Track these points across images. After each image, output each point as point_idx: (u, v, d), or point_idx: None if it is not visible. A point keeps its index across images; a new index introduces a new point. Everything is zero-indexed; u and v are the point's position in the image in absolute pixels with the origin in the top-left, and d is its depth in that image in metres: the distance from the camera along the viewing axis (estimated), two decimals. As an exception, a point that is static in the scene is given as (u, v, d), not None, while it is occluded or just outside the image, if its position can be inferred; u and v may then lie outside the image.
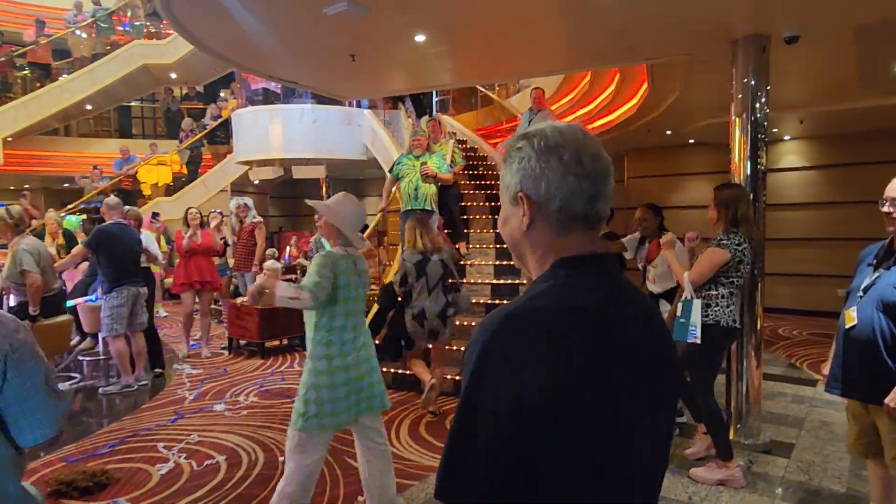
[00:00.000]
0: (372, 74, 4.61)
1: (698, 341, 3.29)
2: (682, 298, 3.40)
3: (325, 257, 2.56)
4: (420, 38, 3.78)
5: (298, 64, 4.32)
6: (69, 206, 11.34)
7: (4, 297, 4.88)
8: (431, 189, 5.77)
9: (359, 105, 10.45)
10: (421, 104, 10.45)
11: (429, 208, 5.74)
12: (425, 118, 7.54)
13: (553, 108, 8.33)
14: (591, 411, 0.80)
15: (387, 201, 6.21)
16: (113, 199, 5.40)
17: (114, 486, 3.40)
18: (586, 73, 7.21)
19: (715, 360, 3.46)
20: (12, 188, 14.59)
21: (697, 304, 3.31)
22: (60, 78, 12.18)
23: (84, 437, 4.22)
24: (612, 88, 6.79)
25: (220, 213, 8.05)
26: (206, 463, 3.70)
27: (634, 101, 6.39)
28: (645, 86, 5.63)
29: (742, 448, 3.88)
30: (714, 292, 3.31)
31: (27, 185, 14.51)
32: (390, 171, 5.98)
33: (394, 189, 6.15)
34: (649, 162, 10.20)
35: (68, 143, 14.31)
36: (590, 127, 8.13)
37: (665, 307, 4.11)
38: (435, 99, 12.33)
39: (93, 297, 5.78)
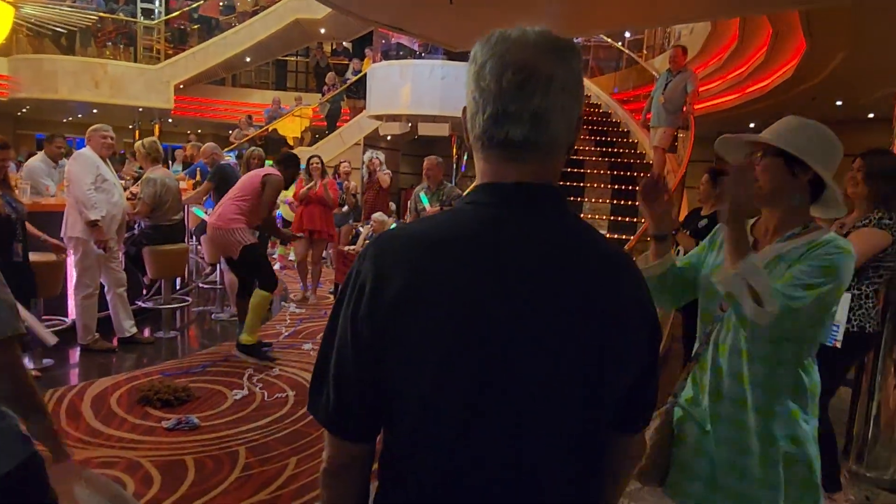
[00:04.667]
0: (477, 20, 4.34)
1: (838, 345, 2.73)
2: None
3: None
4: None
5: (402, 7, 4.19)
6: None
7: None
8: None
9: (490, 63, 10.18)
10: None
11: None
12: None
13: (698, 70, 7.44)
14: (418, 351, 0.76)
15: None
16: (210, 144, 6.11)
17: (192, 402, 3.67)
18: (735, 31, 6.28)
19: (841, 373, 2.88)
20: (188, 132, 16.47)
21: (846, 299, 2.73)
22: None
23: (187, 355, 4.64)
24: (765, 48, 5.86)
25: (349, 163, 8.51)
26: (276, 395, 3.87)
27: (792, 62, 5.45)
28: (803, 42, 4.74)
29: (861, 480, 3.24)
30: (857, 291, 2.72)
31: (199, 130, 16.27)
32: None
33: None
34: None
35: (231, 93, 15.71)
36: (740, 93, 7.16)
37: None
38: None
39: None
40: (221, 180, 5.50)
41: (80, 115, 14.34)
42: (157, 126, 14.13)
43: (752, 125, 9.17)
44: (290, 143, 13.08)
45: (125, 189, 5.40)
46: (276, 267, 7.72)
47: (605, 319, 0.79)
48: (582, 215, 6.47)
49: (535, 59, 0.76)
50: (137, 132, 14.15)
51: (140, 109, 13.06)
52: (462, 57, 9.91)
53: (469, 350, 0.75)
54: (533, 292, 0.77)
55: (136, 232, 4.97)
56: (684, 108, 6.11)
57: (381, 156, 7.82)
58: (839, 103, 7.03)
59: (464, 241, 0.77)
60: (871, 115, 7.72)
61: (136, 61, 12.85)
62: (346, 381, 0.79)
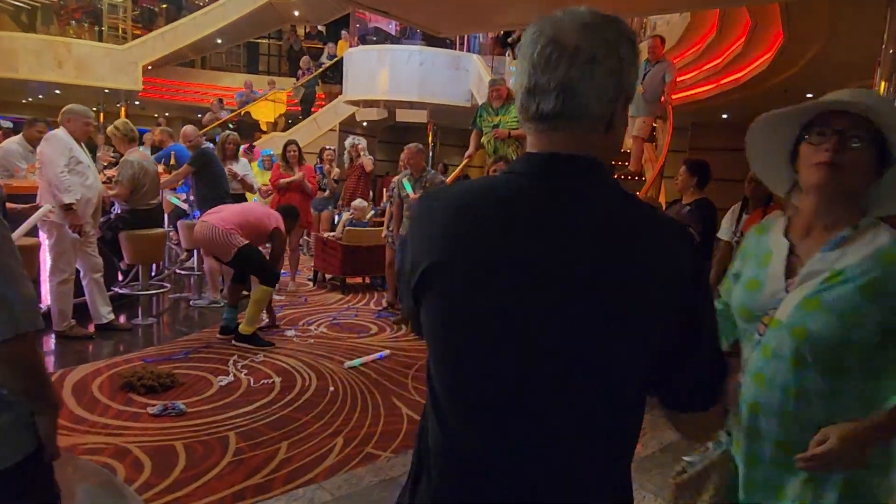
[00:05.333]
0: (460, 4, 4.31)
1: None
2: None
3: None
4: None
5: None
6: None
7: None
8: (510, 150, 5.48)
9: (468, 49, 10.15)
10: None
11: None
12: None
13: (675, 60, 7.55)
14: (449, 296, 0.83)
15: (473, 149, 6.00)
16: (191, 127, 5.88)
17: (177, 389, 3.61)
18: (714, 22, 6.39)
19: None
20: (156, 115, 16.00)
21: None
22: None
23: (167, 342, 4.55)
24: (742, 39, 5.97)
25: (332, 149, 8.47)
26: (262, 381, 3.84)
27: (769, 53, 5.58)
28: (780, 34, 4.86)
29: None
30: None
31: (167, 114, 15.83)
32: (473, 122, 5.79)
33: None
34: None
35: (200, 75, 15.32)
36: (715, 84, 7.30)
37: None
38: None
39: (192, 215, 6.15)
40: (203, 165, 5.39)
41: (41, 96, 13.81)
42: (123, 108, 13.69)
43: (724, 116, 9.38)
44: (264, 128, 12.84)
45: (101, 172, 5.25)
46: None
47: (614, 289, 0.78)
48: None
49: (563, 33, 0.80)
50: (102, 115, 13.70)
51: (106, 91, 12.64)
52: (440, 43, 9.86)
53: (489, 312, 0.80)
54: (550, 260, 0.78)
55: (112, 216, 4.83)
56: (662, 98, 6.20)
57: (364, 141, 7.85)
58: (809, 96, 7.20)
59: (491, 207, 0.83)
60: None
61: (101, 41, 12.41)
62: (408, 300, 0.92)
